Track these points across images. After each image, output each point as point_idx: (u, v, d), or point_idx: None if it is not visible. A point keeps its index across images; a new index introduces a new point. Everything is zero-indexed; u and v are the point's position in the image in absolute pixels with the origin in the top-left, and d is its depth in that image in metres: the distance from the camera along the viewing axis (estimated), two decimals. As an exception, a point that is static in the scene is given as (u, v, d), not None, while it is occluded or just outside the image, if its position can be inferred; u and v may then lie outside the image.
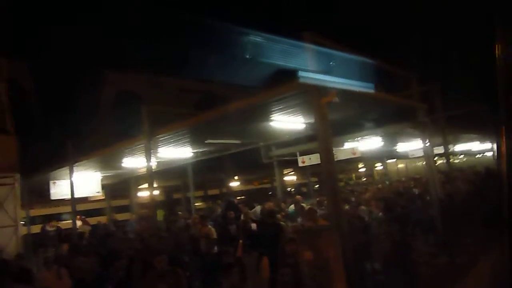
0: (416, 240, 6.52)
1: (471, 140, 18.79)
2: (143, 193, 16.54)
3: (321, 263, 4.24)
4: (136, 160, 9.92)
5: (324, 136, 4.92)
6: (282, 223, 7.74)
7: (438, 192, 8.19)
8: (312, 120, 7.04)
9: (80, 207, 13.15)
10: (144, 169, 9.63)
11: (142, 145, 8.10)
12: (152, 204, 8.78)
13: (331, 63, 4.67)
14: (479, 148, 21.34)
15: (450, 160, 11.19)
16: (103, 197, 14.39)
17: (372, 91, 5.83)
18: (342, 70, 4.98)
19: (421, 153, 13.57)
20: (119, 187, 15.13)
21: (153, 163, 9.12)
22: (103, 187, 12.98)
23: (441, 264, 6.53)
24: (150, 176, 8.07)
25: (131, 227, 11.34)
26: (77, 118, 16.27)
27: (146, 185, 12.84)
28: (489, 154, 21.69)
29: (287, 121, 7.38)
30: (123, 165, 10.36)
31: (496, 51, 1.88)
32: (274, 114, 6.74)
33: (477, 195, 8.85)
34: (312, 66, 4.49)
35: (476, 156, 27.50)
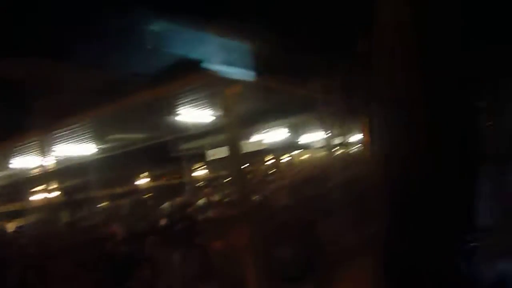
0: (321, 222, 6.87)
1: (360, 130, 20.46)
2: (40, 196, 15.19)
3: (232, 253, 4.31)
4: (29, 159, 9.04)
5: (231, 128, 4.98)
6: (192, 216, 7.71)
7: (339, 179, 8.77)
8: (219, 112, 7.08)
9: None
10: (40, 169, 8.84)
11: (35, 142, 7.41)
12: (51, 206, 8.11)
13: (237, 54, 4.72)
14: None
15: (349, 149, 12.06)
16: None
17: (278, 82, 6.03)
18: (249, 61, 5.06)
19: (322, 143, 14.47)
20: (9, 191, 13.66)
21: (50, 162, 8.39)
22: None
23: (346, 243, 6.97)
24: (47, 177, 7.43)
25: (24, 233, 10.37)
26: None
27: (42, 187, 11.79)
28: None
29: (195, 114, 7.31)
30: (12, 166, 9.37)
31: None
32: (181, 107, 6.63)
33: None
34: (218, 57, 4.50)
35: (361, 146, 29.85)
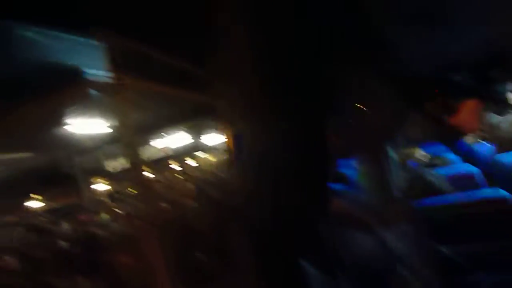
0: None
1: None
2: None
3: (142, 265, 4.18)
4: None
5: (127, 137, 4.77)
6: (97, 233, 7.27)
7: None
8: (112, 122, 6.75)
9: None
10: None
11: None
12: None
13: (122, 59, 4.52)
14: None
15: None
16: None
17: (171, 88, 5.94)
18: (136, 67, 4.89)
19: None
20: None
21: None
22: None
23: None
24: None
25: None
26: None
27: None
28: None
29: (86, 125, 6.87)
30: None
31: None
32: (69, 119, 6.16)
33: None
34: (103, 64, 4.27)
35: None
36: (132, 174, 5.15)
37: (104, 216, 9.00)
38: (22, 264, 6.71)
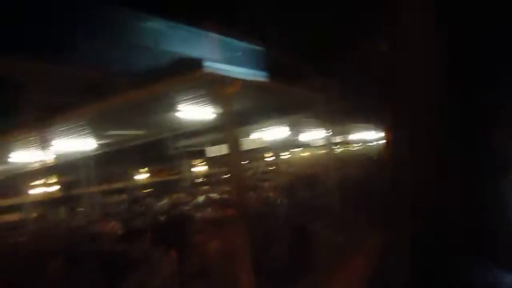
0: (313, 223, 6.87)
1: (365, 129, 20.41)
2: (38, 190, 15.17)
3: (228, 253, 4.30)
4: (28, 154, 9.01)
5: (230, 126, 4.96)
6: (190, 214, 7.70)
7: (334, 179, 8.78)
8: (219, 110, 7.06)
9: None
10: (38, 164, 8.82)
11: (34, 137, 7.38)
12: (49, 201, 8.11)
13: (237, 53, 4.71)
14: (371, 137, 23.28)
15: (346, 148, 12.08)
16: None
17: (274, 81, 6.01)
18: (247, 60, 5.05)
19: (322, 142, 14.47)
20: (7, 184, 13.61)
21: (49, 156, 8.37)
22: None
23: (336, 243, 6.98)
24: (45, 171, 7.41)
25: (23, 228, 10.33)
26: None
27: (41, 181, 11.79)
28: (381, 142, 23.77)
29: (194, 111, 7.29)
30: (10, 160, 9.34)
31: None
32: (180, 104, 6.61)
33: (367, 180, 9.64)
34: (216, 56, 4.48)
35: (368, 144, 30.06)
36: (229, 162, 5.35)
37: (200, 198, 9.48)
38: (122, 230, 7.39)
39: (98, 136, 9.01)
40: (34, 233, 7.97)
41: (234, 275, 4.05)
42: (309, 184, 10.07)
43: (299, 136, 17.27)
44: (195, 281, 4.26)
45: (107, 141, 10.04)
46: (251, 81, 5.08)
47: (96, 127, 7.97)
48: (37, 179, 12.78)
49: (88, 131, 8.15)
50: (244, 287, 3.87)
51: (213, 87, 4.93)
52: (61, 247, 5.90)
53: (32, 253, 6.06)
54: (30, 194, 14.62)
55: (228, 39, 4.70)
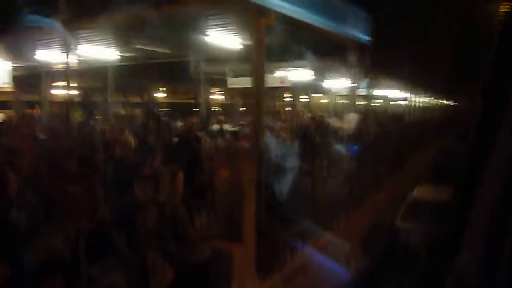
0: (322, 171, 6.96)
1: (390, 87, 19.93)
2: (58, 91, 15.42)
3: (236, 183, 4.42)
4: (53, 54, 9.04)
5: (258, 60, 4.85)
6: (203, 140, 7.82)
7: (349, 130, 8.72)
8: (248, 41, 6.89)
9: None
10: (61, 65, 8.88)
11: (59, 38, 7.35)
12: (68, 103, 8.27)
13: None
14: (396, 95, 22.78)
15: (369, 103, 11.89)
16: (12, 90, 13.10)
17: (312, 21, 5.78)
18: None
19: (344, 92, 14.22)
20: (31, 81, 13.81)
21: (72, 60, 8.38)
22: (13, 78, 11.77)
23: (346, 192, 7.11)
24: (67, 73, 7.46)
25: (42, 124, 10.65)
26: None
27: (62, 83, 11.93)
28: (404, 103, 23.29)
29: (222, 38, 7.13)
30: (36, 57, 9.40)
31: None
32: (210, 29, 6.44)
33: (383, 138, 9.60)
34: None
35: (391, 103, 29.56)
36: (249, 96, 5.31)
37: (215, 126, 9.56)
38: (136, 144, 7.57)
39: (124, 47, 8.95)
40: (52, 130, 8.20)
41: (239, 205, 4.18)
42: (322, 130, 10.04)
43: (324, 81, 16.98)
44: (199, 205, 4.42)
45: (132, 54, 9.98)
46: (288, 17, 4.88)
47: (123, 38, 7.89)
48: (58, 80, 12.95)
49: (114, 41, 8.10)
50: (246, 218, 4.02)
51: (248, 16, 4.76)
52: (76, 149, 6.10)
53: (48, 150, 6.30)
54: (51, 93, 14.92)
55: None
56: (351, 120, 8.13)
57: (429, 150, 13.23)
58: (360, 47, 8.88)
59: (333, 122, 9.73)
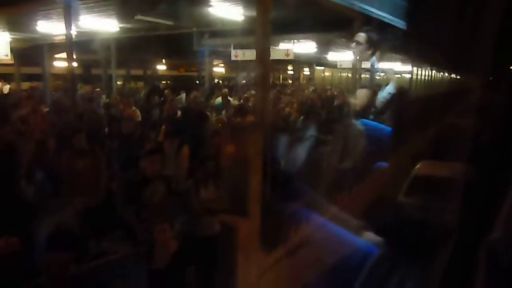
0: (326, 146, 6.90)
1: (395, 60, 19.68)
2: (59, 63, 15.27)
3: (242, 157, 4.40)
4: (53, 25, 8.90)
5: (263, 32, 4.74)
6: (207, 113, 7.78)
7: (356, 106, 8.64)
8: (252, 13, 6.75)
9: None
10: (62, 37, 8.73)
11: (60, 9, 7.20)
12: (69, 76, 8.17)
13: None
14: (400, 69, 22.53)
15: (374, 76, 11.74)
16: (12, 62, 12.96)
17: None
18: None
19: (349, 65, 14.05)
20: (31, 53, 13.65)
21: (73, 31, 8.25)
22: (12, 50, 11.62)
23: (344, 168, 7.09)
24: (68, 45, 7.35)
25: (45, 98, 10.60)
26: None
27: (63, 55, 11.79)
28: (408, 75, 23.04)
29: (226, 10, 6.99)
30: (37, 28, 9.25)
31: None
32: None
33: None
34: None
35: (396, 76, 29.23)
36: (253, 69, 5.24)
37: (218, 100, 9.49)
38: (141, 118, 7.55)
39: (125, 19, 8.79)
40: (55, 103, 8.14)
41: (244, 179, 4.19)
42: (326, 105, 9.96)
43: (329, 55, 16.76)
44: (205, 179, 4.43)
45: (133, 25, 9.80)
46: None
47: (124, 9, 7.74)
48: (59, 52, 12.80)
49: (116, 12, 7.94)
50: (252, 192, 4.04)
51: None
52: (81, 124, 6.09)
53: (53, 124, 6.28)
54: (52, 66, 14.78)
55: None
56: (360, 95, 8.04)
57: (435, 125, 13.19)
58: (366, 19, 8.71)
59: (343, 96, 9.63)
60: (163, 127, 6.57)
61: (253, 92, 9.97)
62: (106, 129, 6.71)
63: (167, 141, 5.58)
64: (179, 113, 7.90)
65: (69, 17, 6.90)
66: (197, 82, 18.12)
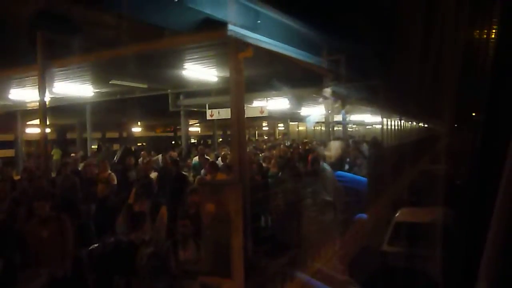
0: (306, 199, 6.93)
1: (365, 112, 20.45)
2: (32, 130, 15.11)
3: (222, 216, 4.34)
4: (26, 92, 8.91)
5: (237, 92, 4.88)
6: (184, 173, 7.73)
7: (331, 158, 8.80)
8: (225, 74, 6.98)
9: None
10: (35, 103, 8.72)
11: (34, 77, 7.25)
12: (43, 142, 8.06)
13: (257, 21, 4.61)
14: (370, 120, 23.36)
15: (346, 129, 12.10)
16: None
17: (288, 52, 5.92)
18: (267, 29, 4.95)
19: (322, 119, 14.45)
20: (2, 120, 13.49)
21: (47, 98, 8.27)
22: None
23: (327, 220, 7.08)
24: (42, 112, 7.32)
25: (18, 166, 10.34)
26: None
27: (36, 121, 11.67)
28: (378, 126, 23.83)
29: (200, 72, 7.20)
30: (10, 96, 9.23)
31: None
32: (187, 63, 6.51)
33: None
34: (237, 20, 4.37)
35: (367, 127, 30.20)
36: (229, 126, 5.32)
37: (195, 160, 9.46)
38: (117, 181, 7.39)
39: (99, 84, 8.90)
40: (27, 171, 7.93)
41: (226, 238, 4.10)
42: (303, 160, 10.09)
43: (301, 110, 17.26)
44: (185, 240, 4.32)
45: (108, 90, 9.92)
46: (265, 49, 4.99)
47: (99, 74, 7.86)
48: (33, 119, 12.69)
49: (90, 77, 8.05)
50: (234, 251, 3.94)
51: (226, 49, 4.84)
52: (50, 191, 5.90)
53: (23, 193, 6.08)
54: (26, 132, 14.58)
55: (251, 5, 4.57)
56: (334, 147, 8.21)
57: (409, 172, 13.46)
58: (335, 75, 9.13)
59: (317, 149, 9.81)
60: (134, 189, 6.42)
61: (229, 149, 10.05)
62: (81, 194, 6.56)
63: (138, 203, 5.45)
64: (154, 174, 7.84)
65: (43, 83, 6.94)
66: (173, 142, 18.12)
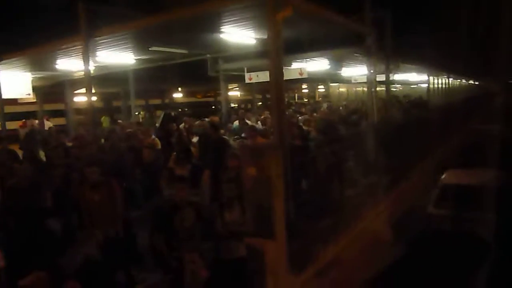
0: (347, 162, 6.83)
1: (410, 70, 19.52)
2: (80, 98, 15.71)
3: (263, 179, 4.36)
4: (72, 63, 9.20)
5: (276, 54, 4.78)
6: (225, 137, 7.81)
7: (374, 119, 8.57)
8: (263, 36, 6.84)
9: (9, 109, 12.25)
10: (81, 73, 9.01)
11: (79, 47, 7.45)
12: (91, 110, 8.38)
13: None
14: (415, 79, 22.30)
15: (390, 89, 11.64)
16: (34, 100, 13.39)
17: (325, 10, 5.69)
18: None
19: (363, 79, 13.99)
20: (53, 90, 14.10)
21: (91, 67, 8.51)
22: (34, 89, 12.02)
23: (368, 184, 6.99)
24: (88, 81, 7.57)
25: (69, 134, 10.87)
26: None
27: (83, 90, 12.14)
28: (424, 85, 22.76)
29: (238, 35, 7.09)
30: (57, 66, 9.57)
31: None
32: (225, 26, 6.41)
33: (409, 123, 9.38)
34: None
35: (411, 86, 28.96)
36: (269, 90, 5.25)
37: (235, 124, 9.52)
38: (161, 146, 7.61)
39: (140, 51, 9.01)
40: (78, 138, 8.32)
41: (267, 201, 4.14)
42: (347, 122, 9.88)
43: (342, 71, 16.76)
44: (227, 202, 4.41)
45: (149, 57, 10.04)
46: (303, 7, 4.81)
47: (139, 42, 7.94)
48: (80, 88, 13.17)
49: (131, 45, 8.16)
50: (276, 213, 3.98)
51: (263, 11, 4.71)
52: (100, 157, 6.17)
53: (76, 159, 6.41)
54: (75, 101, 15.22)
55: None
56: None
57: (457, 133, 12.90)
58: (379, 32, 8.70)
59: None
60: (174, 153, 6.58)
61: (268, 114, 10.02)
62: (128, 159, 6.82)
63: (179, 167, 5.60)
64: (196, 139, 7.98)
65: (87, 53, 7.14)
66: (213, 107, 18.26)
